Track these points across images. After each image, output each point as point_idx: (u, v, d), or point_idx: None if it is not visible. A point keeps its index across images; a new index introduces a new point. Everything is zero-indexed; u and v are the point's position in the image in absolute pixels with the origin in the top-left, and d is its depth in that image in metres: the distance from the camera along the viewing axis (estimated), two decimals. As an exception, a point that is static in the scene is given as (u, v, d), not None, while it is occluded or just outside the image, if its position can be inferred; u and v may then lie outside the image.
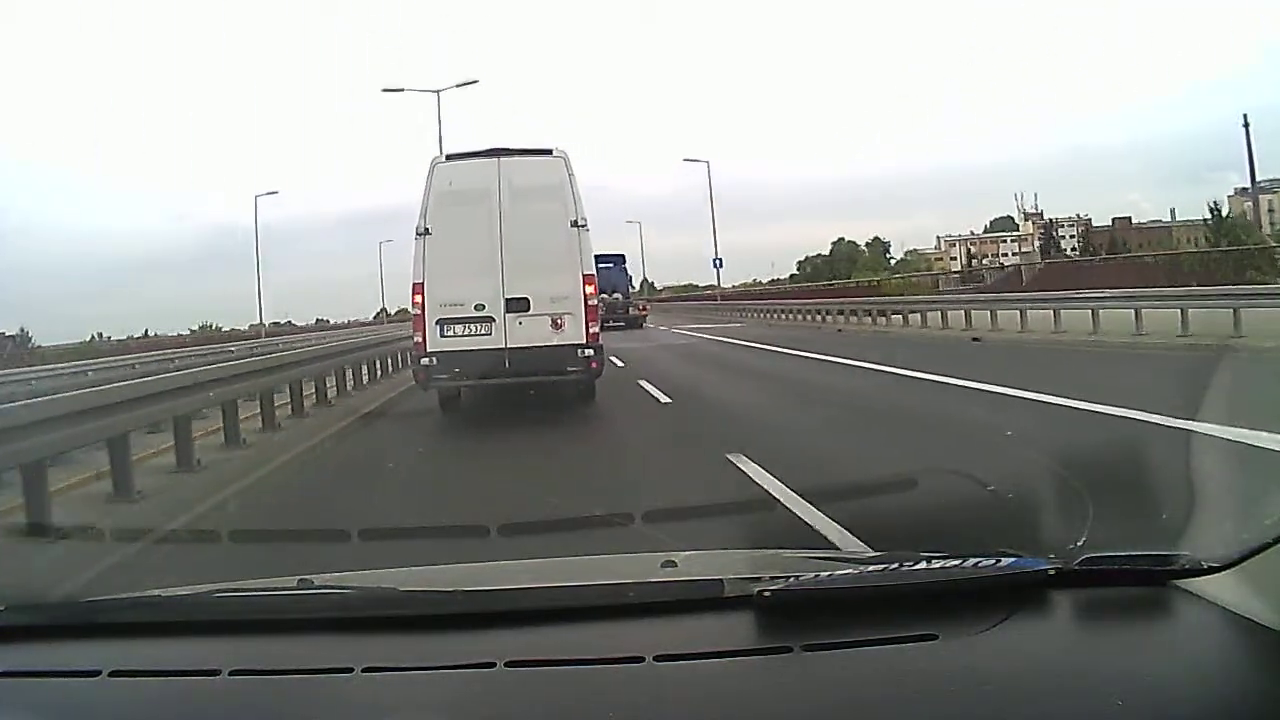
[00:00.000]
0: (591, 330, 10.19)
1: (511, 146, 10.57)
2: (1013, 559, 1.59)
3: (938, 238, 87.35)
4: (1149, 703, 1.27)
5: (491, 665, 1.44)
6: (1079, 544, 1.74)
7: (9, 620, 1.76)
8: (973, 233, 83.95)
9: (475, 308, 10.16)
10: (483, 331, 10.15)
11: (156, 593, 1.89)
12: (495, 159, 10.38)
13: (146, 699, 1.50)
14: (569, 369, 10.17)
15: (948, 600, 1.52)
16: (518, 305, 10.12)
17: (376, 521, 5.02)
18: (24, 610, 1.86)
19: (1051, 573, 1.55)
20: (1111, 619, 1.50)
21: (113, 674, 1.52)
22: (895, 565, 1.64)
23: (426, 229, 10.15)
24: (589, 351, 10.15)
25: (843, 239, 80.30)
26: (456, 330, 10.18)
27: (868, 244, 79.24)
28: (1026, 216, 78.11)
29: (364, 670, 1.46)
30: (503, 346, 10.11)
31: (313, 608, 1.75)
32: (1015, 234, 78.54)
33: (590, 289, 10.30)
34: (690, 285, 73.65)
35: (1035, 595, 1.53)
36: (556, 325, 10.17)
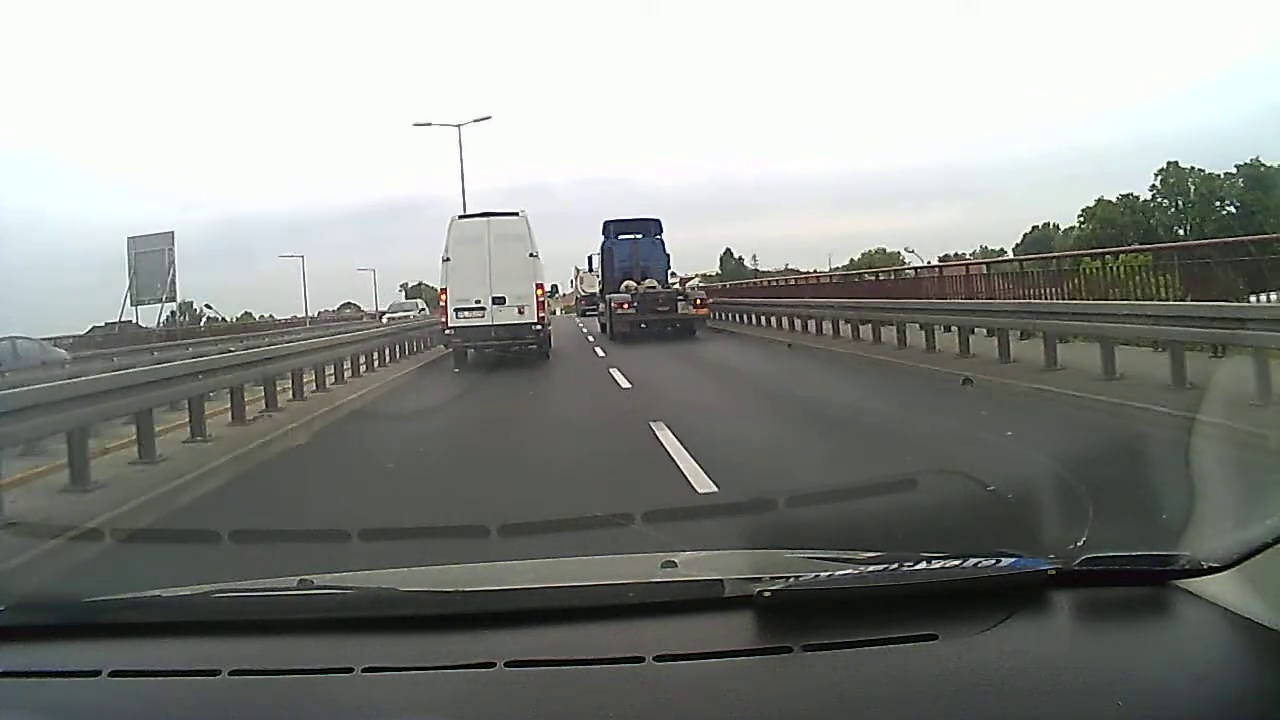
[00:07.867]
0: (540, 315, 18.59)
1: (494, 210, 19.10)
2: (1013, 559, 1.59)
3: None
4: (1149, 703, 1.27)
5: (491, 665, 1.44)
6: (1079, 544, 1.74)
7: (9, 620, 1.76)
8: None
9: (475, 301, 18.33)
10: (479, 314, 18.34)
11: (156, 593, 1.89)
12: (486, 218, 18.87)
13: (146, 699, 1.50)
14: (526, 337, 18.52)
15: (948, 600, 1.52)
16: (499, 300, 18.33)
17: None
18: (24, 610, 1.86)
19: (1051, 573, 1.55)
20: (1111, 619, 1.50)
21: (113, 674, 1.52)
22: (895, 565, 1.63)
23: (448, 257, 18.43)
24: (539, 328, 18.54)
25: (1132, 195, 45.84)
26: (465, 315, 18.35)
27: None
28: None
29: (364, 670, 1.46)
30: (491, 324, 18.35)
31: (313, 608, 1.75)
32: None
33: (539, 292, 18.75)
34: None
35: (1035, 595, 1.53)
36: (521, 312, 18.37)
